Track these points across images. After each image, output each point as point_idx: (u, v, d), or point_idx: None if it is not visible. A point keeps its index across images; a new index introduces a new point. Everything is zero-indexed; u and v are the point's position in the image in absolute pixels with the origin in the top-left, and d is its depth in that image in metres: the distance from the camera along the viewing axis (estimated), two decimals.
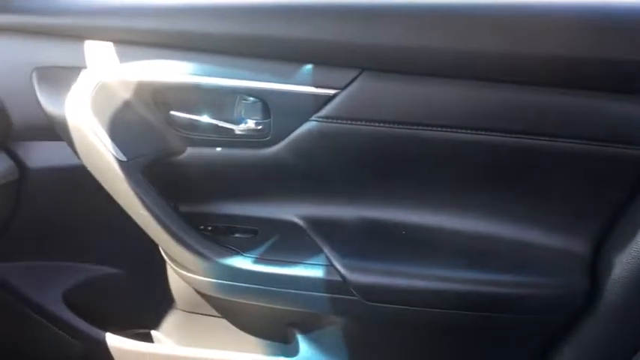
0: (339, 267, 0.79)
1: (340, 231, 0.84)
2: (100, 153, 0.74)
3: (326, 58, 0.73)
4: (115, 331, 0.98)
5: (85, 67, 0.77)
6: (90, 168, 0.77)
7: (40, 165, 0.83)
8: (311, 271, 0.80)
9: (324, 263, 0.81)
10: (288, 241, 0.84)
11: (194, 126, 0.79)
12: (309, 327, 0.91)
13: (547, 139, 0.73)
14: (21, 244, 0.92)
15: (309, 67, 0.73)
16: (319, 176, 0.82)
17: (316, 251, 0.82)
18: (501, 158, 0.76)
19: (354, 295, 0.80)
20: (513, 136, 0.73)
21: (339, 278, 0.79)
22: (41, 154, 0.83)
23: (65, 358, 1.03)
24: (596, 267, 0.79)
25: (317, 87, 0.73)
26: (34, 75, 0.77)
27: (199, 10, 0.74)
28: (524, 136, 0.73)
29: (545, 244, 0.81)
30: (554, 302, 0.79)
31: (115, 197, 0.79)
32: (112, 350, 0.97)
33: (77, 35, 0.77)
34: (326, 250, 0.82)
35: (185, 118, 0.79)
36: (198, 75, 0.75)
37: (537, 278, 0.79)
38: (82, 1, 0.77)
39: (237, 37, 0.73)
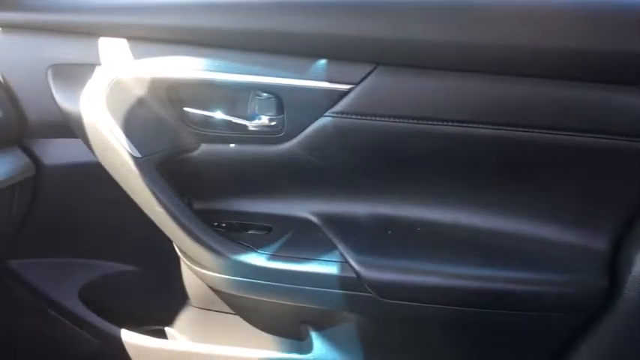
0: (353, 264, 0.79)
1: (354, 228, 0.84)
2: (114, 150, 0.74)
3: (340, 53, 0.72)
4: (129, 328, 0.99)
5: (99, 64, 0.77)
6: (105, 165, 0.78)
7: (56, 162, 0.84)
8: (325, 267, 0.80)
9: (338, 260, 0.80)
10: (301, 238, 0.84)
11: (208, 122, 0.79)
12: (323, 324, 0.90)
13: (565, 134, 0.72)
14: (37, 240, 0.93)
15: (323, 62, 0.73)
16: (333, 172, 0.82)
17: (330, 248, 0.82)
18: (518, 154, 0.75)
19: (368, 292, 0.79)
20: (530, 131, 0.72)
21: (353, 275, 0.79)
22: (57, 151, 0.84)
23: (80, 354, 1.04)
24: (615, 264, 0.78)
25: (331, 82, 0.73)
26: (49, 72, 0.77)
27: (213, 5, 0.74)
28: (541, 132, 0.72)
29: (564, 240, 0.80)
30: (572, 300, 0.78)
31: (130, 194, 0.79)
32: (126, 346, 0.98)
33: (91, 32, 0.77)
34: (340, 246, 0.81)
35: (199, 114, 0.79)
36: (212, 71, 0.75)
37: (555, 275, 0.78)
38: None
39: (251, 32, 0.73)
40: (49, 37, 0.78)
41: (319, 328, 0.91)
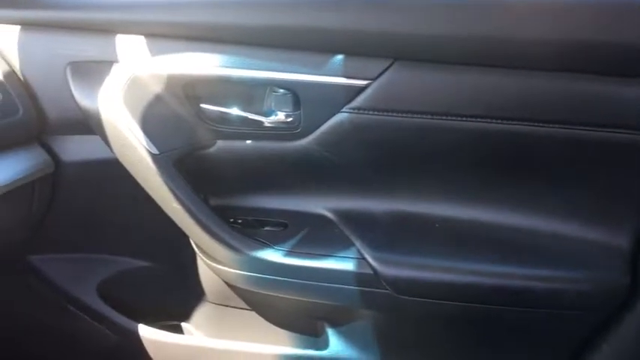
0: (370, 260, 0.78)
1: (371, 224, 0.83)
2: (132, 146, 0.75)
3: (357, 48, 0.72)
4: (146, 323, 1.00)
5: (117, 62, 0.78)
6: (123, 161, 0.78)
7: (75, 159, 0.85)
8: (341, 264, 0.80)
9: (355, 256, 0.80)
10: (318, 234, 0.84)
11: (224, 119, 0.79)
12: (339, 320, 0.90)
13: (582, 128, 0.71)
14: (56, 236, 0.94)
15: (340, 57, 0.72)
16: (350, 168, 0.81)
17: (347, 244, 0.81)
18: (535, 149, 0.74)
19: (385, 289, 0.79)
20: (547, 126, 0.71)
21: (369, 271, 0.79)
22: (75, 148, 0.84)
23: (99, 349, 1.05)
24: (637, 261, 0.76)
25: (348, 78, 0.72)
26: (68, 70, 0.78)
27: (229, 1, 0.74)
28: (558, 126, 0.71)
29: (583, 237, 0.79)
30: (592, 298, 0.77)
31: (148, 190, 0.80)
32: (144, 341, 0.98)
33: (109, 30, 0.78)
34: (357, 243, 0.81)
35: (215, 110, 0.79)
36: (229, 67, 0.75)
37: (575, 273, 0.77)
38: None
39: (267, 28, 0.73)
40: (68, 34, 0.79)
41: (335, 325, 0.91)
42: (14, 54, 0.79)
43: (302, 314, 0.93)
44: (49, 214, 0.90)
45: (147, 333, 0.98)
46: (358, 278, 0.80)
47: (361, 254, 0.80)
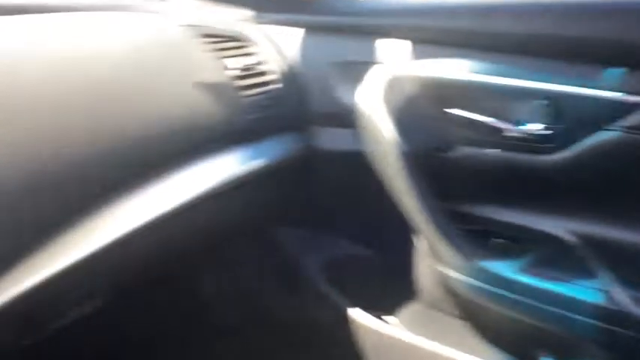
0: (617, 294, 0.71)
1: (623, 255, 0.75)
2: (385, 141, 0.80)
3: (637, 61, 0.65)
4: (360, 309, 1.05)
5: (377, 63, 0.84)
6: (372, 154, 0.84)
7: (329, 148, 0.94)
8: (580, 292, 0.74)
9: (598, 287, 0.73)
10: (554, 256, 0.79)
11: (472, 125, 0.80)
12: (562, 353, 0.83)
13: None
14: (300, 213, 1.05)
15: (614, 70, 0.66)
16: (605, 192, 0.74)
17: (589, 272, 0.75)
18: None
19: (631, 330, 0.70)
20: None
21: (614, 307, 0.71)
22: (331, 139, 0.93)
23: (314, 325, 1.14)
24: None
25: (623, 93, 0.66)
26: (333, 68, 0.87)
27: (492, 9, 0.73)
28: None
29: None
30: None
31: (389, 184, 0.84)
32: (355, 325, 1.04)
33: (373, 33, 0.84)
34: (603, 272, 0.74)
35: (464, 116, 0.79)
36: (486, 74, 0.75)
37: None
38: (381, 2, 0.84)
39: (534, 36, 0.71)
40: (338, 37, 0.88)
41: (555, 356, 0.84)
42: (291, 52, 0.91)
43: (521, 336, 0.88)
44: (298, 194, 1.01)
45: (361, 318, 1.03)
46: (598, 312, 0.73)
47: (606, 286, 0.72)
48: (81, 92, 0.66)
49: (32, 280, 0.55)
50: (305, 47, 0.91)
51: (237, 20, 0.94)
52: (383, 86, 0.81)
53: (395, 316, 1.09)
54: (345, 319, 1.06)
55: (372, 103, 0.80)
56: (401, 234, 0.91)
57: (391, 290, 1.08)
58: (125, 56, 0.74)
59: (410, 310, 1.08)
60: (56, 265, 0.57)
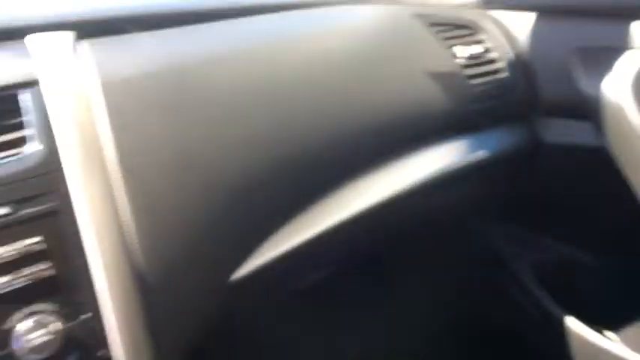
0: None
1: None
2: (635, 137, 0.71)
3: None
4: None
5: (629, 48, 0.75)
6: (615, 150, 0.76)
7: (558, 141, 0.87)
8: None
9: None
10: None
11: None
12: None
13: None
14: (514, 209, 1.00)
15: None
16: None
17: None
18: None
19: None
20: None
21: None
22: (560, 131, 0.87)
23: (522, 326, 1.08)
24: None
25: None
26: (574, 55, 0.80)
27: None
28: None
29: None
30: None
31: (633, 184, 0.75)
32: (571, 337, 0.96)
33: (625, 15, 0.75)
34: None
35: None
36: None
37: None
38: None
39: None
40: (578, 20, 0.80)
41: None
42: (522, 38, 0.86)
43: None
44: (513, 188, 0.96)
45: (576, 328, 0.95)
46: None
47: None
48: (323, 84, 0.71)
49: (285, 246, 0.63)
50: (538, 32, 0.85)
51: (466, 6, 0.92)
52: (634, 76, 0.72)
53: (617, 332, 0.99)
54: (556, 328, 0.99)
55: (622, 94, 0.72)
56: (628, 243, 0.81)
57: (614, 302, 0.98)
58: (360, 47, 0.78)
59: (636, 327, 0.96)
60: (303, 235, 0.65)
